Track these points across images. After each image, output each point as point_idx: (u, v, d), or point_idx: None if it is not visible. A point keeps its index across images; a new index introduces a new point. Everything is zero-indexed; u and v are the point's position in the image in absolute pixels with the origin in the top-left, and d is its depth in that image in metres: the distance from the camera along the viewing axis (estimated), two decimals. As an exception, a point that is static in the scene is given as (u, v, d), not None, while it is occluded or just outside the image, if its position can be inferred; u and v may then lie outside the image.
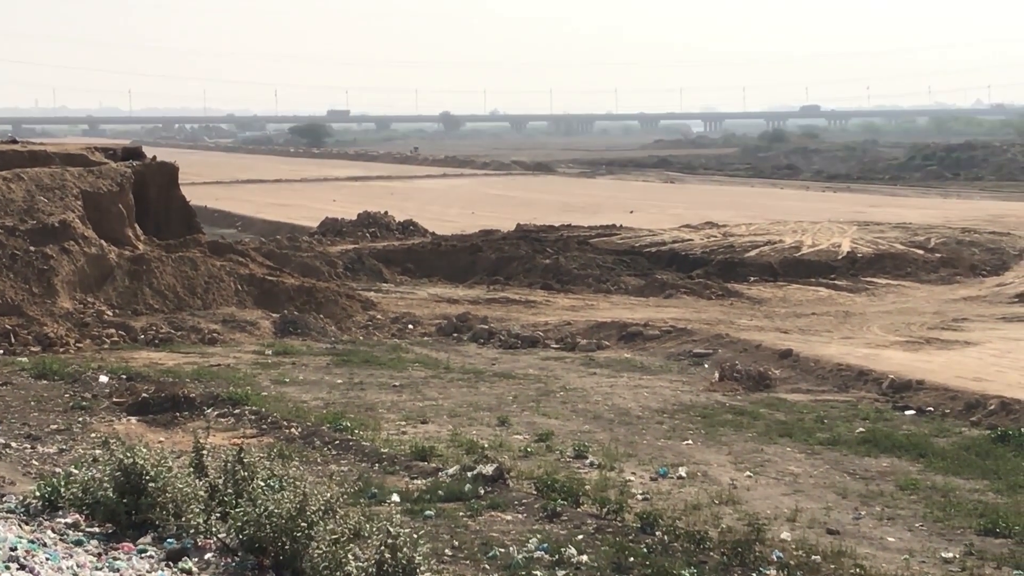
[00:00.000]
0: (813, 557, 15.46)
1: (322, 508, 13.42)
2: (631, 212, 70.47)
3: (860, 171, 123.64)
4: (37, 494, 15.35)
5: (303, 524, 13.24)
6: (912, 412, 25.22)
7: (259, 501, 13.53)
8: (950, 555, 15.99)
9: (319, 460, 20.48)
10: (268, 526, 13.27)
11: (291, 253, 47.80)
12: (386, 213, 61.36)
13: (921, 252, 50.34)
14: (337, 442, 21.52)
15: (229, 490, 14.68)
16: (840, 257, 49.08)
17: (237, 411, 24.12)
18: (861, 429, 23.36)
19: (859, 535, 16.93)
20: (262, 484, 14.34)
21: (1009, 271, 47.78)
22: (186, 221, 43.46)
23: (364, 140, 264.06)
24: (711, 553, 15.34)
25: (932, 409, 25.34)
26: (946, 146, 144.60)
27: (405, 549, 12.88)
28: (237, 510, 13.77)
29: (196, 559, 13.57)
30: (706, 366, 30.47)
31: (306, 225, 63.14)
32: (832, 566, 15.21)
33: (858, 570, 15.11)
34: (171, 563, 13.43)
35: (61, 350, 31.68)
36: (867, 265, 48.09)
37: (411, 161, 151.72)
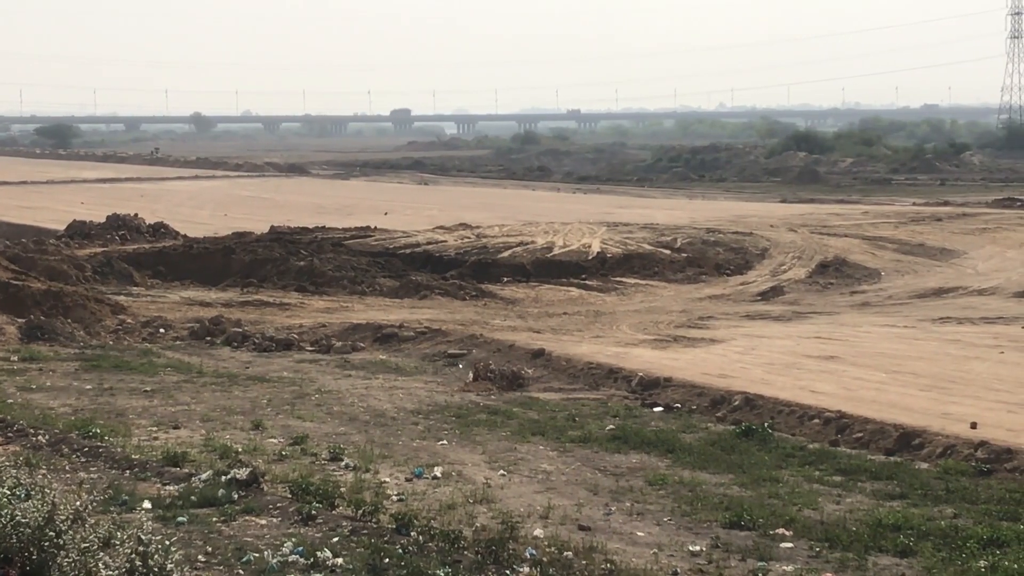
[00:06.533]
0: (565, 553, 15.65)
1: (71, 517, 13.11)
2: (385, 214, 70.42)
3: (609, 172, 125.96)
4: None
5: (51, 533, 12.91)
6: (660, 409, 25.73)
7: (5, 511, 13.16)
8: (697, 548, 16.35)
9: (67, 468, 19.98)
10: (15, 536, 12.91)
11: (37, 256, 46.50)
12: (136, 215, 60.23)
13: (668, 252, 51.42)
14: (86, 449, 21.03)
15: (-27, 501, 14.24)
16: (590, 257, 49.83)
17: (-19, 419, 23.40)
18: (611, 426, 23.75)
19: (610, 530, 17.20)
20: (8, 493, 13.94)
21: (752, 270, 49.13)
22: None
23: (112, 141, 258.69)
24: (466, 552, 15.41)
25: (680, 406, 25.90)
26: (691, 148, 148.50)
27: (157, 556, 12.68)
28: (-19, 521, 13.37)
29: (-62, 573, 13.15)
30: (460, 366, 30.66)
31: (53, 228, 61.56)
32: (584, 562, 15.40)
33: (609, 565, 15.34)
34: (-89, 578, 12.99)
35: None
36: (616, 265, 48.92)
37: (162, 163, 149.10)
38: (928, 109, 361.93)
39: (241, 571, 14.77)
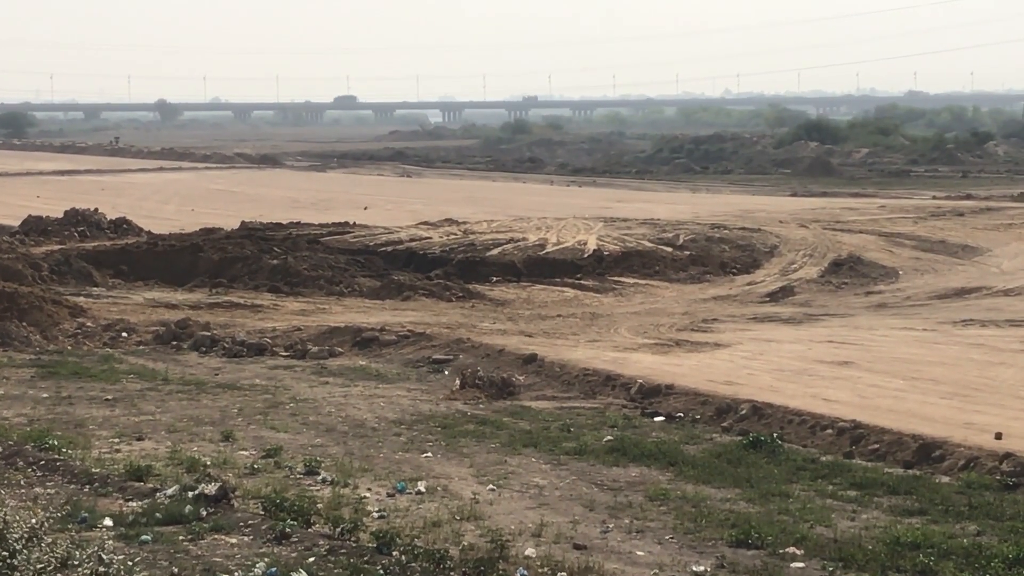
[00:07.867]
0: (559, 574, 15.67)
1: (26, 535, 13.12)
2: (365, 208, 70.45)
3: (606, 164, 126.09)
4: None
5: (4, 553, 12.92)
6: (662, 418, 25.74)
7: (-46, 530, 13.16)
8: (701, 568, 16.35)
9: (22, 482, 19.98)
10: (-35, 557, 12.91)
11: (-11, 255, 46.48)
12: (96, 210, 60.13)
13: (670, 250, 51.43)
14: (42, 462, 21.02)
15: (-80, 518, 14.23)
16: (586, 255, 49.82)
17: (-71, 430, 23.40)
18: (609, 437, 23.75)
19: (607, 549, 17.20)
20: (-43, 511, 13.94)
21: (760, 269, 49.15)
22: None
23: (71, 130, 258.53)
24: (452, 573, 15.42)
25: (682, 415, 25.91)
26: (694, 138, 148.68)
27: (119, 578, 12.68)
28: (-71, 540, 13.36)
29: None
30: (446, 373, 30.67)
31: (6, 224, 61.46)
32: (579, 583, 15.44)
33: (606, 586, 15.38)
34: None
35: None
36: (614, 264, 48.91)
37: (124, 153, 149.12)
38: (912, 97, 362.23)
39: (210, 594, 14.78)
